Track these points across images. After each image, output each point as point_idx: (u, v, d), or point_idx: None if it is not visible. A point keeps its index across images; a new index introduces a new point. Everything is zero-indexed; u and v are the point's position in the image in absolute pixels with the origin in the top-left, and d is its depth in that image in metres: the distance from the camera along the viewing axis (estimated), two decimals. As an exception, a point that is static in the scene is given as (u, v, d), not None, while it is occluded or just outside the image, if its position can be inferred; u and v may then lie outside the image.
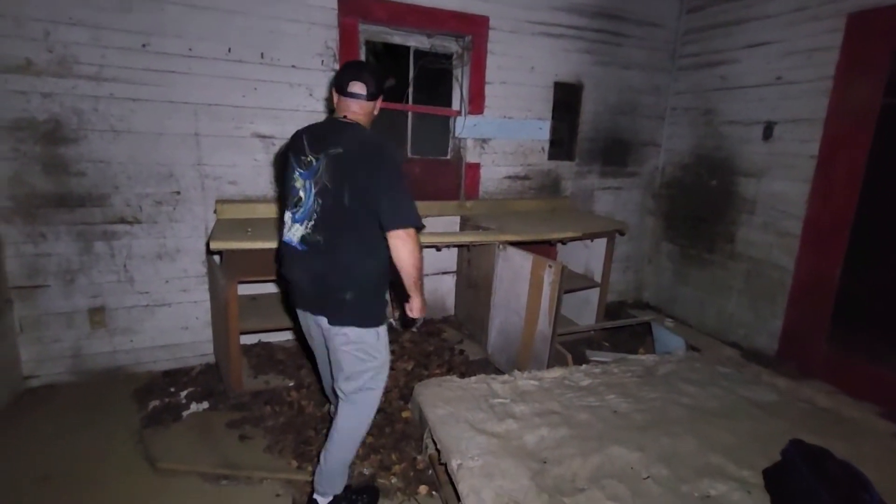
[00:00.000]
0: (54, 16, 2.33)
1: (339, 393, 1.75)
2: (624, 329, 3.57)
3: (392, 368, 2.73)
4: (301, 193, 1.65)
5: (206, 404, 2.47)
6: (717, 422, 2.13)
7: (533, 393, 2.29)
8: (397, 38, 3.25)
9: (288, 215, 1.70)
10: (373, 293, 1.68)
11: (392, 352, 2.91)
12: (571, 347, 2.94)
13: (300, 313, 1.82)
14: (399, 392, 2.55)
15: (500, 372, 2.74)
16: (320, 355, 1.96)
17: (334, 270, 1.61)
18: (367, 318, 1.66)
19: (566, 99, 3.70)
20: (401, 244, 1.58)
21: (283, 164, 1.76)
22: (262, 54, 2.75)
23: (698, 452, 1.92)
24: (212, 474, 2.01)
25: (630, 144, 4.01)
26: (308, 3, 2.81)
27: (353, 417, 1.74)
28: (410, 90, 3.34)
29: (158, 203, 2.67)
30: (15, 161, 2.38)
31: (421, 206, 3.22)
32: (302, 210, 1.64)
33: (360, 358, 1.68)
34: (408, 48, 3.30)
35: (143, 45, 2.51)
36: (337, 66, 2.94)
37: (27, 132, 2.39)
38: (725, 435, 2.04)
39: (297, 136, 1.71)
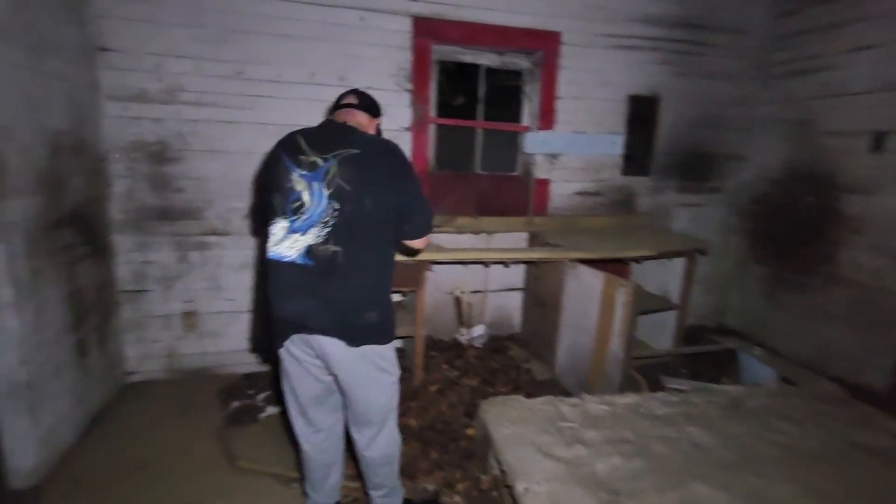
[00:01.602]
0: (166, 50, 2.63)
1: (363, 431, 1.61)
2: (704, 356, 3.31)
3: (456, 384, 2.74)
4: (305, 197, 1.42)
5: (280, 408, 2.59)
6: (818, 466, 1.90)
7: (604, 419, 2.18)
8: (468, 57, 3.31)
9: (281, 225, 1.44)
10: (391, 307, 1.56)
11: (457, 367, 2.93)
12: (645, 372, 2.78)
13: (290, 346, 1.51)
14: (464, 408, 2.53)
15: (568, 394, 2.64)
16: (314, 396, 1.60)
17: (356, 291, 1.43)
18: (387, 334, 1.54)
19: (641, 112, 3.56)
20: (416, 247, 1.61)
21: (270, 166, 1.53)
22: (341, 77, 2.91)
23: (795, 500, 1.72)
24: (283, 476, 2.10)
25: (712, 158, 3.77)
26: (384, 27, 2.95)
27: (392, 442, 1.68)
28: (480, 107, 3.38)
29: (245, 217, 2.89)
30: (128, 178, 2.69)
31: (488, 221, 3.32)
32: (307, 217, 1.41)
33: (386, 372, 1.56)
34: (478, 66, 3.35)
35: (238, 73, 2.75)
36: (410, 87, 3.05)
37: (139, 153, 2.68)
38: (828, 483, 1.81)
39: (289, 136, 1.52)
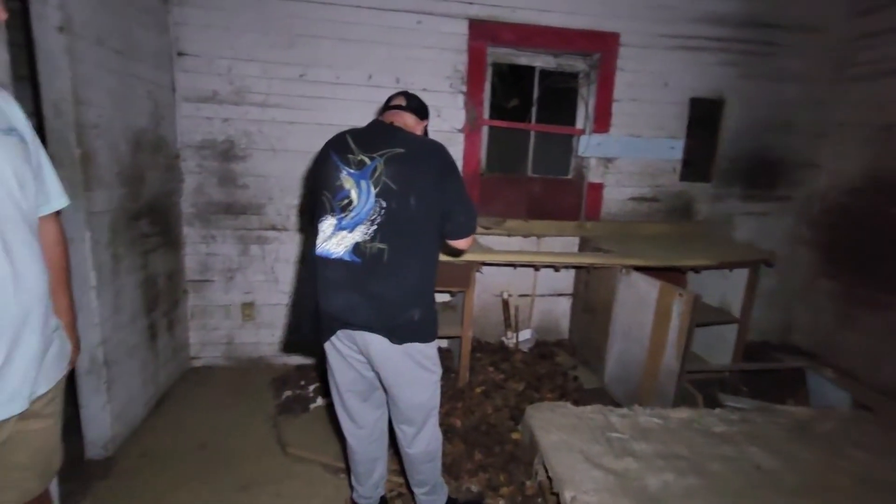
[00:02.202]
0: (236, 54, 2.78)
1: (404, 428, 1.64)
2: (766, 374, 3.12)
3: (502, 387, 2.72)
4: (353, 195, 1.45)
5: (328, 400, 2.66)
6: (895, 501, 1.75)
7: (656, 432, 2.10)
8: (523, 59, 3.29)
9: (329, 222, 1.48)
10: (433, 306, 1.57)
11: (502, 371, 2.91)
12: (701, 388, 2.65)
13: (335, 341, 1.55)
14: (510, 412, 2.51)
15: (617, 404, 2.56)
16: (357, 391, 1.64)
17: (400, 288, 1.45)
18: (430, 333, 1.54)
19: (704, 116, 3.41)
20: (460, 247, 1.59)
21: (320, 164, 1.55)
22: (397, 79, 2.97)
23: (871, 533, 1.59)
24: (332, 466, 2.16)
25: (781, 165, 3.55)
26: (441, 30, 2.98)
27: (434, 440, 1.68)
28: (534, 110, 3.35)
29: (302, 213, 3.00)
30: (199, 175, 2.86)
31: (538, 225, 3.28)
32: (354, 214, 1.45)
33: (428, 370, 1.57)
34: (532, 68, 3.32)
35: (301, 76, 2.87)
36: (464, 89, 3.07)
37: (209, 151, 2.85)
38: (911, 518, 1.66)
39: (339, 136, 1.56)
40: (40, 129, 1.31)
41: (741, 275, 2.99)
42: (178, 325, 2.83)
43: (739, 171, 3.51)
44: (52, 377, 1.12)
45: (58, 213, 1.23)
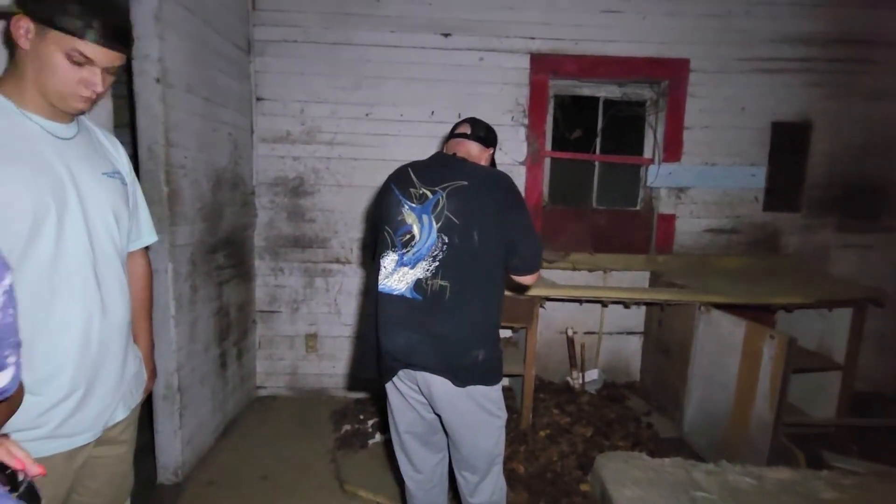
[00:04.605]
0: (308, 97, 2.95)
1: (466, 476, 1.54)
2: (881, 431, 2.70)
3: (568, 431, 2.55)
4: (415, 230, 1.42)
5: (387, 437, 2.61)
6: None
7: (749, 494, 1.84)
8: (587, 90, 3.23)
9: (391, 258, 1.45)
10: (498, 346, 1.49)
11: (568, 413, 2.73)
12: (801, 444, 2.32)
13: (396, 381, 1.50)
14: (577, 460, 2.33)
15: (699, 457, 2.31)
16: (417, 433, 1.57)
17: (463, 328, 1.39)
18: (495, 375, 1.46)
19: (788, 141, 3.16)
20: (525, 282, 1.52)
21: (382, 198, 1.53)
22: (459, 114, 3.00)
23: None
24: (389, 507, 2.08)
25: (884, 192, 3.19)
26: (503, 66, 3.01)
27: (498, 489, 1.57)
28: (598, 140, 3.26)
29: (365, 247, 3.06)
30: (271, 210, 3.01)
31: (605, 258, 3.12)
32: (416, 250, 1.41)
33: (493, 415, 1.48)
34: (596, 98, 3.25)
35: (367, 114, 2.99)
36: (526, 121, 3.05)
37: (280, 187, 3.00)
38: None
39: (401, 169, 1.54)
40: (135, 170, 1.44)
41: (843, 315, 2.65)
42: (246, 354, 2.93)
43: (834, 200, 3.18)
44: (128, 405, 1.16)
45: (147, 247, 1.31)
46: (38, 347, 0.95)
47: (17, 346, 0.70)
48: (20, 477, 0.70)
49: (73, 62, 0.95)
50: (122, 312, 1.10)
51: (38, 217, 0.93)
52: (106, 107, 1.68)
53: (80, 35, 0.93)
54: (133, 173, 1.24)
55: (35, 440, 0.96)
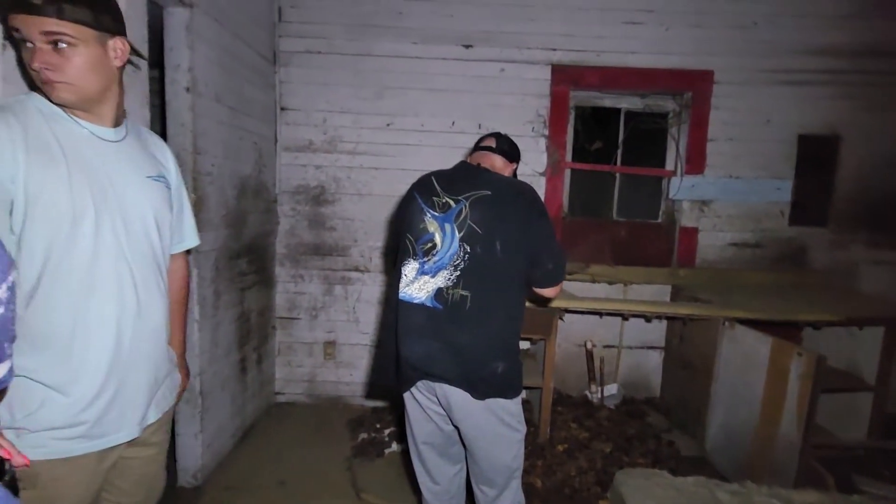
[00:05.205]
0: (331, 107, 3.00)
1: (484, 489, 1.52)
2: (915, 455, 2.59)
3: (586, 446, 2.51)
4: (437, 239, 1.41)
5: (404, 446, 2.60)
6: None
7: (777, 517, 1.78)
8: (608, 102, 3.22)
9: (412, 266, 1.44)
10: (518, 358, 1.47)
11: (586, 428, 2.69)
12: (830, 466, 2.24)
13: (414, 391, 1.49)
14: (596, 476, 2.28)
15: (723, 477, 2.24)
16: (434, 444, 1.56)
17: (482, 339, 1.38)
18: (514, 388, 1.45)
19: (815, 154, 3.09)
20: (547, 295, 1.50)
21: (405, 207, 1.54)
22: (479, 125, 3.02)
23: None
24: (405, 518, 2.07)
25: (917, 207, 3.09)
26: (524, 77, 3.02)
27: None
28: (619, 152, 3.24)
29: (384, 255, 3.08)
30: (292, 218, 3.05)
31: (626, 271, 3.09)
32: (437, 259, 1.40)
33: (512, 428, 1.46)
34: (618, 110, 3.24)
35: (388, 124, 3.02)
36: (546, 132, 3.05)
37: (302, 196, 3.05)
38: None
39: (424, 178, 1.54)
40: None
41: (874, 334, 2.56)
42: (265, 360, 2.96)
43: (864, 214, 3.10)
44: (161, 407, 1.18)
45: (188, 251, 1.34)
46: (75, 344, 0.97)
47: (13, 339, 0.74)
48: (6, 466, 0.73)
49: (23, 45, 0.92)
50: (157, 315, 1.11)
51: (77, 217, 0.95)
52: (143, 115, 1.73)
53: (8, 9, 0.90)
54: (180, 177, 1.26)
55: (66, 439, 0.98)
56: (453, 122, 3.03)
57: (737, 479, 2.03)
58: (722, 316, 2.49)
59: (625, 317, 3.00)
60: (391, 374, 1.51)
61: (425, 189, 1.49)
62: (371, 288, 3.09)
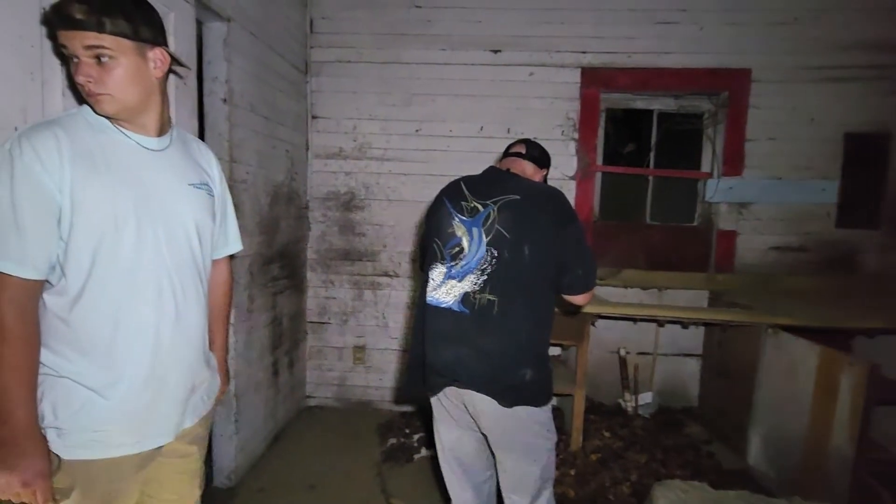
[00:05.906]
0: (360, 115, 3.04)
1: (514, 499, 1.48)
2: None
3: (621, 456, 2.43)
4: (464, 243, 1.41)
5: (433, 452, 2.59)
6: None
7: (829, 536, 1.68)
8: (640, 103, 3.16)
9: (440, 270, 1.44)
10: (547, 366, 1.44)
11: (620, 437, 2.61)
12: (886, 482, 2.10)
13: (442, 398, 1.48)
14: (631, 487, 2.21)
15: (767, 492, 2.13)
16: (463, 451, 1.54)
17: (509, 345, 1.35)
18: (544, 396, 1.42)
19: (863, 152, 2.94)
20: (577, 303, 1.47)
21: (433, 211, 1.54)
22: (508, 129, 3.01)
23: None
24: (435, 525, 2.05)
25: (978, 207, 2.89)
26: (553, 80, 2.99)
27: None
28: (652, 154, 3.16)
29: (413, 260, 3.09)
30: (323, 224, 3.10)
31: (660, 276, 3.00)
32: (464, 263, 1.39)
33: (542, 437, 1.43)
34: (650, 111, 3.17)
35: (416, 131, 3.04)
36: (576, 136, 3.01)
37: (332, 202, 3.10)
38: None
39: (453, 183, 1.54)
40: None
41: (934, 342, 2.40)
42: (297, 364, 3.01)
43: (918, 216, 2.92)
44: (199, 411, 1.18)
45: (231, 256, 1.36)
46: (116, 349, 1.00)
47: None
48: None
49: (70, 60, 0.97)
50: (196, 322, 1.12)
51: (119, 225, 0.98)
52: (192, 125, 1.80)
53: (56, 27, 0.95)
54: (224, 184, 1.29)
55: (104, 441, 1.00)
56: (482, 128, 3.02)
57: (783, 494, 1.93)
58: (765, 323, 2.39)
59: (660, 323, 2.91)
60: (419, 380, 1.50)
61: (454, 194, 1.49)
62: (400, 293, 3.10)
